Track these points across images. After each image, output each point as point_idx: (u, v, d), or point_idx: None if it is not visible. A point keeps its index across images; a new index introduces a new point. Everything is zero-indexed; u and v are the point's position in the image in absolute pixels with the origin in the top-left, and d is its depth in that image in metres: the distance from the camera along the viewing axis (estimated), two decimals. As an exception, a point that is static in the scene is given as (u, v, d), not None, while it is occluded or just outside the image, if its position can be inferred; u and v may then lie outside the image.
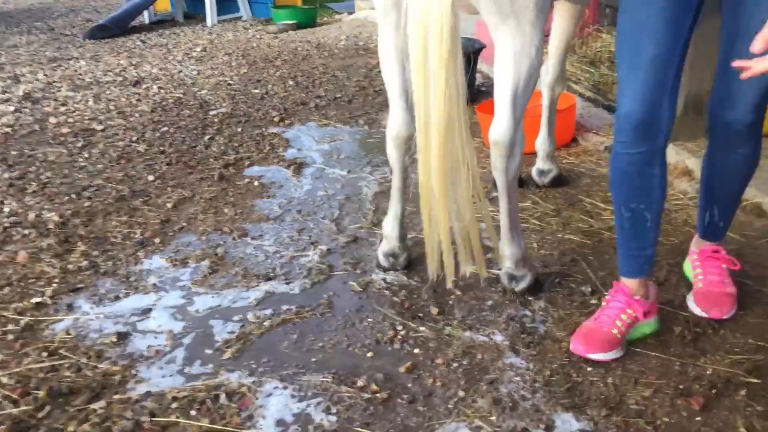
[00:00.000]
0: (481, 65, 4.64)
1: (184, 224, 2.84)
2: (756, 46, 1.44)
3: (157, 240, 2.70)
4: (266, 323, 2.12)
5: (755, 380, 1.77)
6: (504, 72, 1.91)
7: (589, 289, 2.23)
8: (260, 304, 2.24)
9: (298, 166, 3.43)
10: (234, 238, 2.71)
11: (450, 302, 2.20)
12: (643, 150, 1.76)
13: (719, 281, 2.09)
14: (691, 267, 2.19)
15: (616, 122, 1.81)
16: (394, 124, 2.18)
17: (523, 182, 3.00)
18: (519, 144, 2.00)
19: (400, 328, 2.08)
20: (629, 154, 1.79)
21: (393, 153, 2.25)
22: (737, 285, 2.09)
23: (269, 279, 2.40)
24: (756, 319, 2.03)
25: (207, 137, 3.88)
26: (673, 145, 2.98)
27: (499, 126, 1.97)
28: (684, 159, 2.89)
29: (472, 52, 4.22)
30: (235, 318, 2.17)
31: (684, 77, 2.78)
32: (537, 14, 1.82)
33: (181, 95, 4.77)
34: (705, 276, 2.11)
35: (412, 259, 2.43)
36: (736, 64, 1.51)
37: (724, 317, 2.01)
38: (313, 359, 1.95)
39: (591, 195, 2.90)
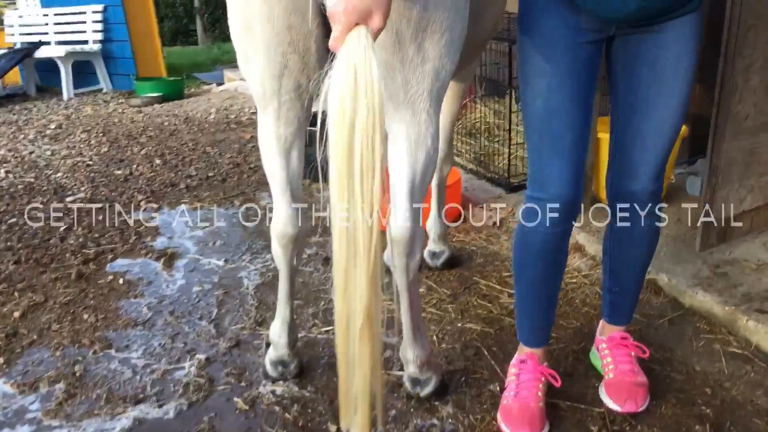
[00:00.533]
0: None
1: (35, 337, 2.45)
2: None
3: (0, 360, 2.29)
4: (136, 464, 1.79)
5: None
6: (400, 164, 1.74)
7: (498, 387, 2.07)
8: (128, 437, 1.90)
9: (169, 258, 3.11)
10: (95, 352, 2.35)
11: (350, 416, 1.96)
12: (563, 228, 1.79)
13: (630, 370, 1.99)
14: (599, 356, 2.09)
15: (533, 204, 1.76)
16: (278, 223, 1.95)
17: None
18: (419, 240, 1.83)
19: (296, 455, 1.81)
20: (550, 233, 1.77)
21: (279, 253, 2.01)
22: (647, 372, 2.00)
23: (138, 402, 2.06)
24: (671, 409, 1.94)
25: (63, 228, 3.47)
26: (562, 220, 2.94)
27: (397, 222, 1.78)
28: (575, 234, 2.84)
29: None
30: (97, 460, 1.82)
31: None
32: (433, 102, 1.68)
33: (32, 179, 4.31)
34: (616, 365, 2.01)
35: (303, 366, 2.18)
36: None
37: (639, 410, 1.90)
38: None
39: (486, 276, 2.78)
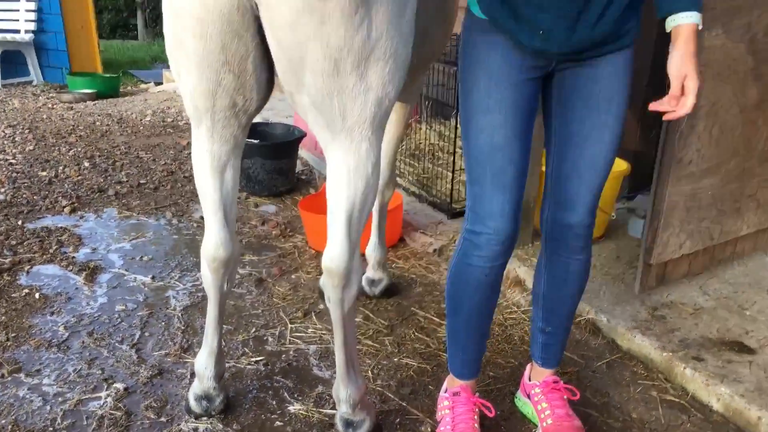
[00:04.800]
0: (301, 152, 4.43)
1: (-64, 357, 2.25)
2: (664, 105, 1.53)
3: None
4: None
5: None
6: (337, 192, 1.65)
7: (430, 429, 1.99)
8: (31, 479, 1.75)
9: (92, 272, 2.92)
10: (2, 375, 2.18)
11: (277, 459, 1.85)
12: (502, 262, 1.78)
13: (566, 414, 1.96)
14: (530, 402, 2.04)
15: (473, 237, 1.75)
16: (209, 245, 1.83)
17: (352, 292, 2.76)
18: (356, 271, 1.74)
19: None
20: (488, 267, 1.76)
21: (209, 277, 1.89)
22: (584, 417, 1.97)
23: (46, 436, 1.90)
24: (608, 458, 1.90)
25: (-23, 233, 3.24)
26: (504, 252, 2.90)
27: (333, 252, 1.69)
28: (515, 268, 2.81)
29: (291, 140, 3.98)
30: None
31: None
32: (373, 131, 1.60)
33: (-53, 177, 4.03)
34: (552, 410, 1.97)
35: (229, 401, 2.06)
36: (654, 107, 1.54)
37: (582, 456, 1.87)
38: None
39: (424, 307, 2.71)
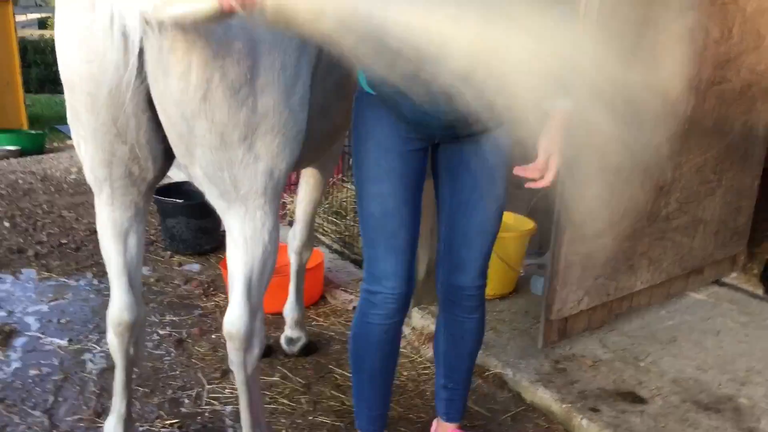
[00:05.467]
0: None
1: None
2: (528, 172, 1.63)
3: None
4: None
5: None
6: (236, 259, 1.74)
7: (343, 488, 2.06)
8: None
9: (7, 336, 2.89)
10: None
11: None
12: (399, 319, 1.89)
13: (471, 468, 2.05)
14: (437, 457, 2.14)
15: (370, 297, 1.85)
16: (114, 309, 1.88)
17: (270, 351, 2.81)
18: (257, 335, 1.82)
19: None
20: (387, 324, 1.86)
21: (114, 342, 1.92)
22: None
23: None
24: None
25: None
26: (418, 309, 3.02)
27: (233, 317, 1.77)
28: (429, 324, 2.92)
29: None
30: None
31: (426, 244, 2.88)
32: (267, 200, 1.70)
33: None
34: (458, 463, 2.06)
35: (141, 466, 2.07)
36: (518, 171, 1.64)
37: None
38: None
39: (341, 364, 2.78)
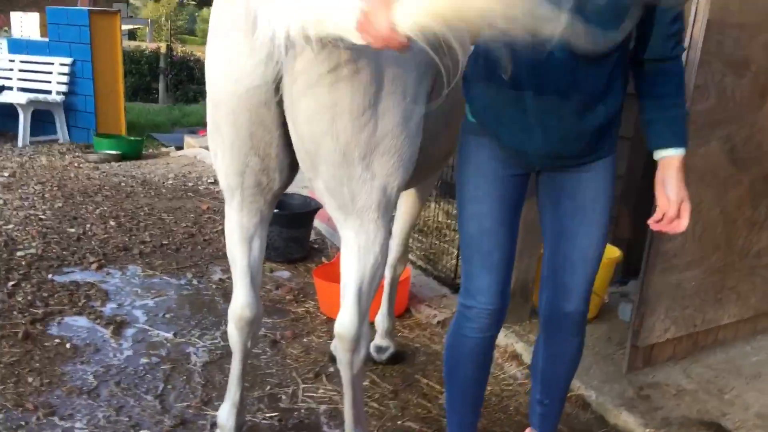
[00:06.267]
0: (316, 222, 4.68)
1: (-23, 398, 2.44)
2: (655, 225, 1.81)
3: (-62, 419, 2.28)
4: None
5: None
6: (349, 266, 1.90)
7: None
8: None
9: (118, 326, 3.14)
10: (39, 418, 2.37)
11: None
12: (492, 333, 1.99)
13: (558, 479, 2.14)
14: (529, 466, 2.22)
15: (465, 311, 1.96)
16: (236, 306, 2.07)
17: (361, 358, 2.96)
18: (365, 338, 1.97)
19: None
20: (480, 337, 1.97)
21: (235, 335, 2.11)
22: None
23: (80, 475, 2.08)
24: None
25: (11, 284, 3.47)
26: (502, 329, 3.10)
27: (344, 320, 1.93)
28: (513, 342, 3.02)
29: (308, 211, 4.25)
30: None
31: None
32: (380, 215, 1.85)
33: (-18, 229, 4.28)
34: (547, 475, 2.15)
35: (248, 452, 2.25)
36: (655, 227, 1.83)
37: None
38: None
39: (427, 375, 2.90)
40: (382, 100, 1.70)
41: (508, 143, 1.82)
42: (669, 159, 1.79)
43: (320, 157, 1.73)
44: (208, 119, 1.86)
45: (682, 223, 1.79)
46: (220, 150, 1.84)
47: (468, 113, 1.91)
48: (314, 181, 1.82)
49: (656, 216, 1.82)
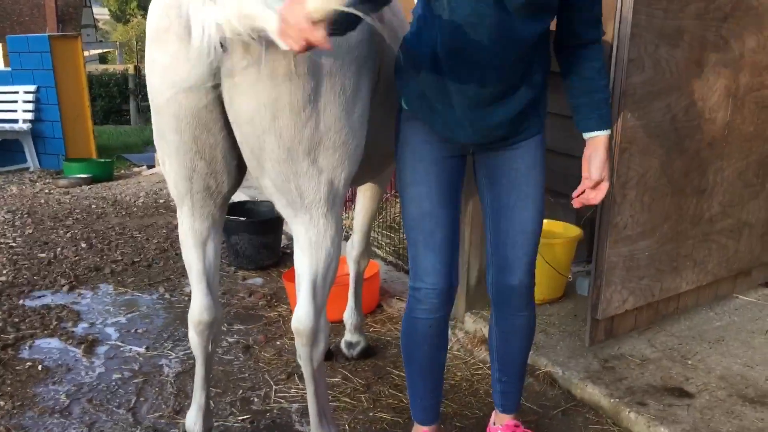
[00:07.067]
0: (285, 227, 4.71)
1: (-53, 424, 2.45)
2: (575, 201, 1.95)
3: None
4: None
5: None
6: (302, 261, 1.94)
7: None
8: None
9: (90, 344, 3.15)
10: (10, 440, 2.37)
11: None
12: (443, 314, 2.03)
13: (526, 453, 2.18)
14: (494, 444, 2.27)
15: (415, 293, 2.02)
16: (194, 310, 2.10)
17: (332, 355, 2.99)
18: (323, 331, 2.01)
19: None
20: (431, 318, 2.02)
21: (195, 340, 2.14)
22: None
23: (51, 491, 2.10)
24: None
25: (-19, 312, 3.47)
26: (470, 314, 3.16)
27: (300, 314, 1.96)
28: (481, 327, 3.06)
29: (276, 217, 4.27)
30: None
31: (476, 251, 3.03)
32: (329, 208, 1.89)
33: (-49, 260, 4.27)
34: (514, 451, 2.19)
35: (217, 455, 2.27)
36: (574, 201, 1.96)
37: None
38: None
39: (398, 366, 2.94)
40: (322, 95, 1.73)
41: (440, 132, 1.90)
42: (595, 139, 1.90)
43: (265, 156, 1.76)
44: (153, 127, 1.88)
45: (597, 196, 1.92)
46: (167, 156, 1.87)
47: (402, 101, 1.96)
48: (261, 179, 1.85)
49: (577, 191, 1.94)
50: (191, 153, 1.81)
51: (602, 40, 1.91)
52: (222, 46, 1.56)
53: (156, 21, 1.72)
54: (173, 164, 1.86)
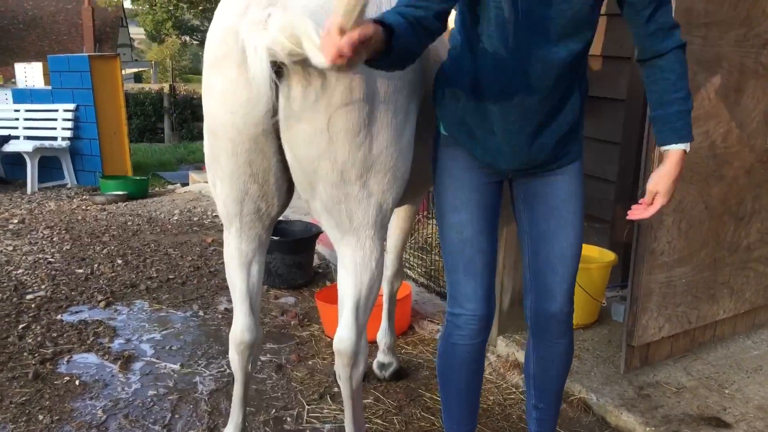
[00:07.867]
0: (318, 247, 4.74)
1: (-11, 437, 2.51)
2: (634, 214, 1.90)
3: (-48, 460, 2.34)
4: None
5: None
6: (346, 282, 1.96)
7: (436, 499, 2.20)
8: None
9: (126, 360, 3.20)
10: (49, 454, 2.42)
11: None
12: (481, 339, 2.03)
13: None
14: (530, 472, 2.25)
15: (453, 319, 2.01)
16: (236, 330, 2.13)
17: (364, 375, 3.00)
18: (363, 352, 2.02)
19: None
20: (470, 344, 2.01)
21: (236, 359, 2.17)
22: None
23: (90, 506, 2.13)
24: None
25: (21, 326, 3.55)
26: (503, 338, 3.15)
27: (343, 335, 1.98)
28: (514, 352, 3.05)
29: (309, 237, 4.31)
30: None
31: (510, 275, 3.03)
32: (376, 231, 1.91)
33: (-8, 275, 4.38)
34: (548, 480, 2.17)
35: (253, 473, 2.29)
36: (631, 213, 1.91)
37: None
38: None
39: (430, 389, 2.94)
40: (377, 119, 1.76)
41: (481, 158, 1.91)
42: (669, 152, 1.85)
43: (318, 179, 1.79)
44: (206, 150, 1.92)
45: (649, 210, 1.86)
46: (219, 179, 1.90)
47: (440, 127, 1.98)
48: (311, 201, 1.88)
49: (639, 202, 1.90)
50: (245, 176, 1.84)
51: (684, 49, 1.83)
52: (277, 74, 1.60)
53: (215, 47, 1.76)
54: (225, 187, 1.89)
